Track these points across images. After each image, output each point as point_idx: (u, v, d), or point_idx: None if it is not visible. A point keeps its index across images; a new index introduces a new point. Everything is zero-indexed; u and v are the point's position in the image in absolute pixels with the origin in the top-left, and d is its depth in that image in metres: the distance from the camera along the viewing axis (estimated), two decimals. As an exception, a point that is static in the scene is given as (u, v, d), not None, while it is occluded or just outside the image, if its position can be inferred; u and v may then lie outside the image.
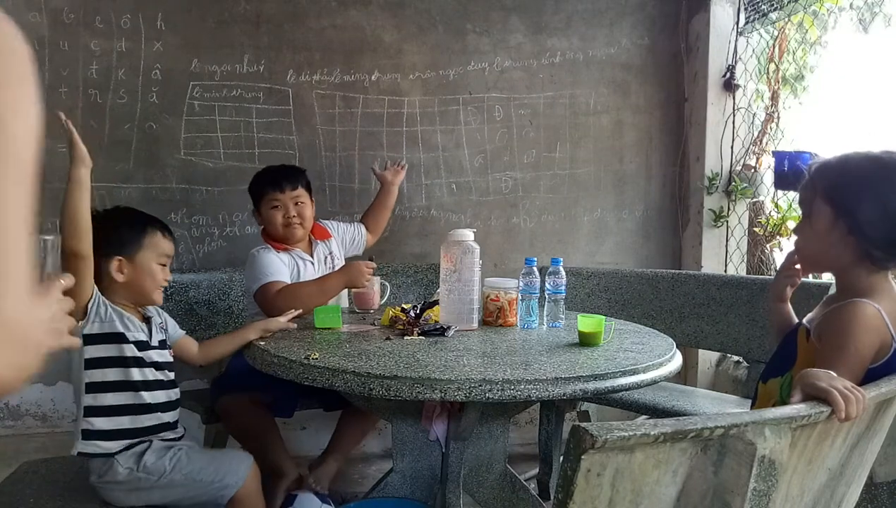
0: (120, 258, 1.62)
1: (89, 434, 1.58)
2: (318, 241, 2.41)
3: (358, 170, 2.96)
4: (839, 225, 1.29)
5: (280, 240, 2.29)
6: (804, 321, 1.44)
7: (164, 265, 1.70)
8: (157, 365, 1.67)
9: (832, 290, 1.45)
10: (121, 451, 1.58)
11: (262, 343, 1.69)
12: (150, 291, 1.66)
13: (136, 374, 1.61)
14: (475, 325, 1.91)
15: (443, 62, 3.00)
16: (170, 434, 1.68)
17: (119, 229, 1.65)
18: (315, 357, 1.52)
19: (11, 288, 0.55)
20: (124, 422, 1.60)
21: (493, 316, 1.98)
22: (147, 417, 1.63)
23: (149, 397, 1.63)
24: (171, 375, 1.71)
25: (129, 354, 1.60)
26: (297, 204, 2.28)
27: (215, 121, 2.82)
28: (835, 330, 1.26)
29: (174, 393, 1.71)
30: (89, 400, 1.59)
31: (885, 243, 1.26)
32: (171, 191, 2.79)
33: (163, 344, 1.71)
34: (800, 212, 1.42)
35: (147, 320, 1.70)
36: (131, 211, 1.76)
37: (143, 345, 1.64)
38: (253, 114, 2.86)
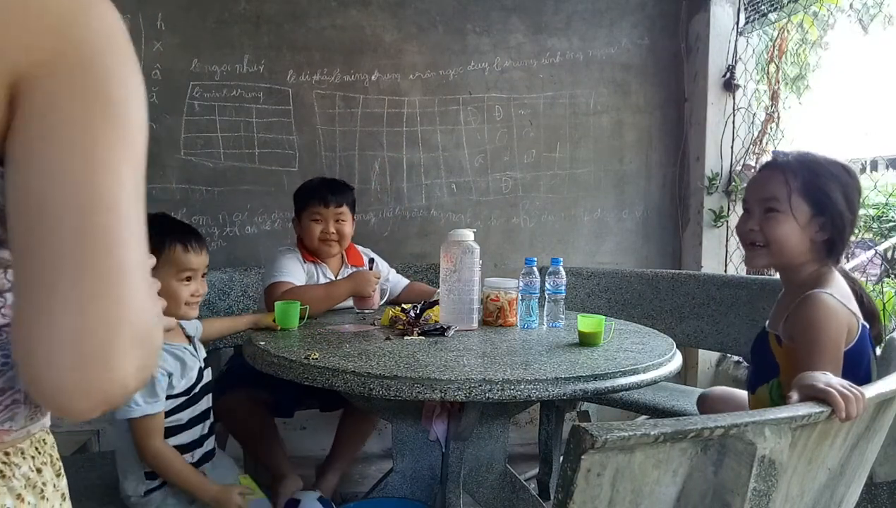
0: None
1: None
2: (350, 265, 2.37)
3: (358, 170, 2.97)
4: (815, 221, 1.39)
5: (313, 253, 2.27)
6: (767, 327, 1.49)
7: (190, 279, 1.60)
8: (195, 396, 1.61)
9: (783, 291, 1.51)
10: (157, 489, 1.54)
11: (261, 343, 1.69)
12: (173, 312, 1.53)
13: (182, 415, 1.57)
14: (475, 325, 1.91)
15: (443, 62, 3.00)
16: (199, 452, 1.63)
17: None
18: (315, 357, 1.52)
19: (137, 287, 0.51)
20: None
21: (493, 316, 1.98)
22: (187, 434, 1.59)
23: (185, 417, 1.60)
24: (203, 396, 1.65)
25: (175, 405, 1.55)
26: (337, 220, 2.27)
27: (215, 121, 2.83)
28: (804, 327, 1.31)
29: (201, 407, 1.65)
30: None
31: (845, 239, 1.39)
32: (171, 191, 2.80)
33: (205, 363, 1.66)
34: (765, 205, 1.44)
35: (189, 338, 1.66)
36: (155, 222, 1.69)
37: (188, 390, 1.58)
38: (253, 114, 2.86)
